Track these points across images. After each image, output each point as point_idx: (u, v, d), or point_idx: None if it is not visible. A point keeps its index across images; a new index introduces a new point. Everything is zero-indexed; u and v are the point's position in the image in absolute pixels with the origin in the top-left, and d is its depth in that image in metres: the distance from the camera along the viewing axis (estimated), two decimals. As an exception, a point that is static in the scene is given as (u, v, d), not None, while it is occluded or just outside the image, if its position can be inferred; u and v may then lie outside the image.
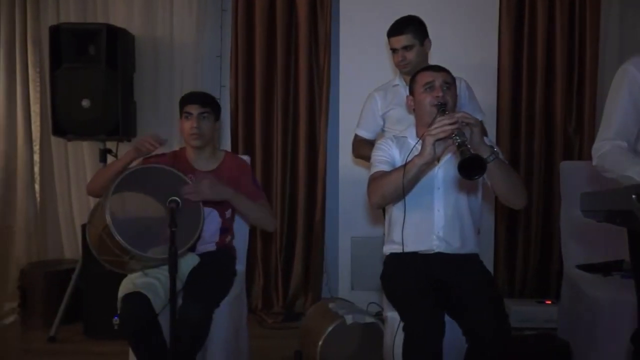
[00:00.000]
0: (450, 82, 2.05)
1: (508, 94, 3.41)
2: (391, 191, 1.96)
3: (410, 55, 2.45)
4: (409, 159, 1.92)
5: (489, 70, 3.32)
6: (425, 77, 2.05)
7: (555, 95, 3.42)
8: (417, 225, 2.06)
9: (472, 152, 1.69)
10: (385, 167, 2.07)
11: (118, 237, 1.93)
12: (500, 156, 1.92)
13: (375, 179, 2.04)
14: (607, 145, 1.70)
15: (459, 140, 1.72)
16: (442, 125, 1.77)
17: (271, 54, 3.52)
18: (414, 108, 2.12)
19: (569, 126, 3.44)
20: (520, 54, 3.42)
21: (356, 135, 2.68)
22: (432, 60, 2.43)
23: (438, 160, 2.02)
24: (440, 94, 2.00)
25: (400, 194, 1.94)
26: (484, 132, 2.57)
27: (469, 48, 3.25)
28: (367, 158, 2.30)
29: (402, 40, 2.44)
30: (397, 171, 1.95)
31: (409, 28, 2.45)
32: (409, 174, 1.89)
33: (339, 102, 3.45)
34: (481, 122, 2.60)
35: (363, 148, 2.62)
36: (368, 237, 3.36)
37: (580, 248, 2.80)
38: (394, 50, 2.48)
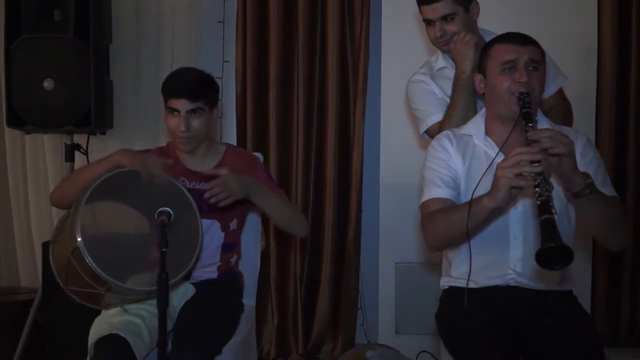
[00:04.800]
0: (538, 61, 2.01)
1: (611, 77, 3.39)
2: (455, 237, 1.97)
3: (452, 28, 2.39)
4: (477, 193, 1.88)
5: (586, 45, 3.29)
6: (505, 53, 2.01)
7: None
8: (487, 255, 2.03)
9: (558, 232, 1.63)
10: (443, 192, 2.05)
11: (92, 264, 1.94)
12: (598, 184, 1.90)
13: (432, 216, 2.02)
14: None
15: (541, 198, 1.69)
16: (520, 164, 1.73)
17: (290, 19, 3.53)
18: (484, 92, 2.10)
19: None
20: (627, 24, 3.38)
21: (428, 129, 2.58)
22: (509, 30, 2.40)
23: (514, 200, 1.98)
24: (525, 79, 1.96)
25: (465, 239, 1.94)
26: (569, 118, 2.55)
27: (558, 14, 3.23)
28: None
29: (439, 8, 2.38)
30: (460, 210, 1.92)
31: None
32: (476, 218, 1.87)
33: (381, 84, 3.44)
34: (569, 106, 2.59)
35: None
36: (419, 264, 3.35)
37: None
38: (428, 22, 2.44)
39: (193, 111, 2.26)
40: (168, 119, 2.30)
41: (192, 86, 2.27)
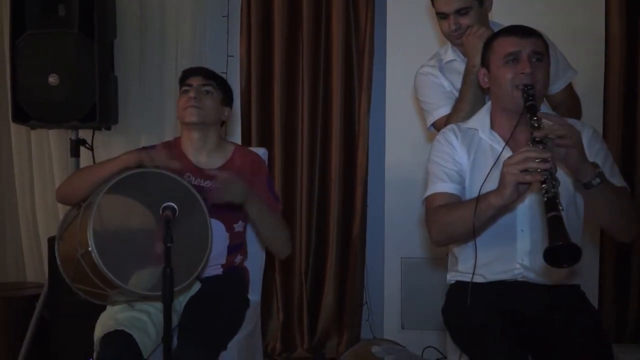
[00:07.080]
0: (542, 52, 2.01)
1: (619, 70, 3.37)
2: (460, 233, 1.97)
3: (466, 21, 2.38)
4: (484, 188, 1.88)
5: (594, 37, 3.28)
6: (507, 45, 2.01)
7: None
8: (494, 248, 2.03)
9: (565, 230, 1.63)
10: (448, 187, 2.05)
11: (105, 271, 1.93)
12: (607, 174, 1.89)
13: (437, 211, 2.02)
14: None
15: (547, 195, 1.68)
16: (527, 160, 1.73)
17: (295, 13, 3.53)
18: (489, 86, 2.10)
19: None
20: (635, 17, 3.37)
21: (435, 122, 2.57)
22: (515, 23, 2.39)
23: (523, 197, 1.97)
24: (528, 70, 1.95)
25: (471, 236, 1.93)
26: (578, 114, 2.55)
27: (566, 8, 3.22)
28: None
29: (455, 1, 2.38)
30: (467, 207, 1.92)
31: None
32: (482, 216, 1.87)
33: (386, 78, 3.44)
34: (577, 100, 2.59)
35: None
36: (424, 259, 3.34)
37: None
38: (442, 16, 2.43)
39: (204, 87, 2.39)
40: (180, 99, 2.40)
41: (208, 70, 2.47)
